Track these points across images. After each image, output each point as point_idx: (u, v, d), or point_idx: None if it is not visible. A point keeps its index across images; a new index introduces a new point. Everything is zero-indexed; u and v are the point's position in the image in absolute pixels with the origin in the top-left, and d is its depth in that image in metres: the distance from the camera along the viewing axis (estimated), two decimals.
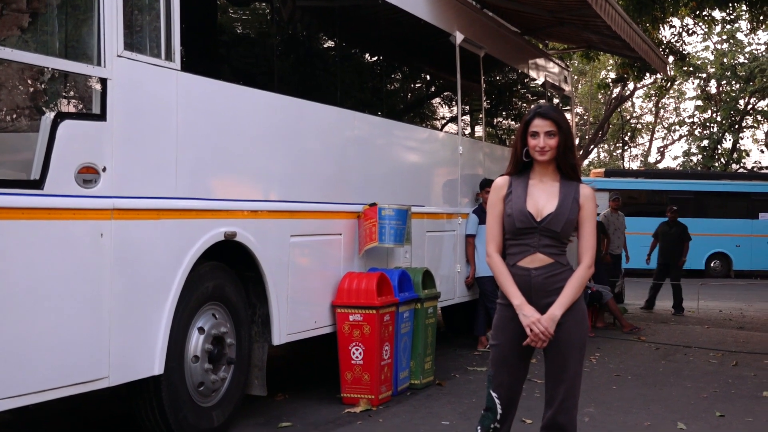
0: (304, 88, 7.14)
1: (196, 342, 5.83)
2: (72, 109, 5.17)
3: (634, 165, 48.28)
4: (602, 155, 49.38)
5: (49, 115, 4.70)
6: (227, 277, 6.16)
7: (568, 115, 14.36)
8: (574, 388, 4.08)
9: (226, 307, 6.14)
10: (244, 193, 6.27)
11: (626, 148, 47.68)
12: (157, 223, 5.34)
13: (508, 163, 4.29)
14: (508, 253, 4.13)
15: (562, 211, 4.01)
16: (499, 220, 4.16)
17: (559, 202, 4.04)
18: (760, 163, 43.40)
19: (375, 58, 8.57)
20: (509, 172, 4.24)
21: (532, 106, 12.90)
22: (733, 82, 38.44)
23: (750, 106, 38.84)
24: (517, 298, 4.02)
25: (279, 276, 6.53)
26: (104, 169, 4.91)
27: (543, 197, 4.07)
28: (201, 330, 5.87)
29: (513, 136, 12.28)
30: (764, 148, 43.29)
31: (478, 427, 4.19)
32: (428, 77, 9.99)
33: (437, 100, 10.07)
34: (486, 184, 10.23)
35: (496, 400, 4.09)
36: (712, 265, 26.77)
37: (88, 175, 4.82)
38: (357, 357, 7.09)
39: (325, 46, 7.80)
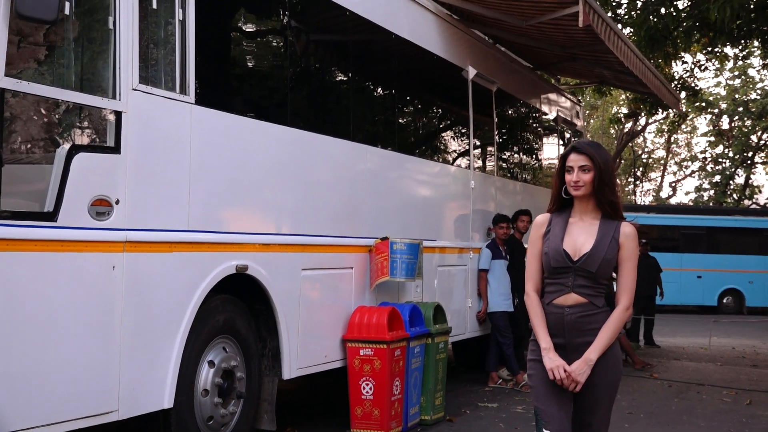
0: (317, 122, 7.18)
1: (206, 375, 5.81)
2: (86, 142, 5.20)
3: (646, 200, 48.22)
4: None
5: (64, 147, 4.74)
6: (238, 310, 6.16)
7: None
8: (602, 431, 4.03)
9: (236, 341, 6.12)
10: (256, 227, 6.28)
11: (638, 183, 47.66)
12: (169, 255, 5.35)
13: (549, 201, 4.24)
14: (546, 291, 4.09)
15: (598, 251, 3.95)
16: (538, 258, 4.11)
17: (596, 241, 3.97)
18: None
19: (387, 92, 8.62)
20: (550, 209, 4.18)
21: (545, 140, 12.98)
22: (745, 118, 38.46)
23: (762, 141, 38.81)
24: (545, 341, 3.97)
25: (290, 309, 6.52)
26: (117, 202, 4.93)
27: (582, 236, 4.01)
28: (211, 363, 5.86)
29: (524, 171, 12.37)
30: None
31: None
32: (440, 111, 10.03)
33: (449, 134, 10.09)
34: (499, 219, 10.23)
35: None
36: (724, 301, 26.64)
37: (101, 207, 4.84)
38: (367, 392, 7.06)
39: (337, 80, 7.84)
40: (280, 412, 6.86)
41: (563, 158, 4.08)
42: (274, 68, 6.80)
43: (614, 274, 4.08)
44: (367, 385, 7.07)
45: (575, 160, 4.00)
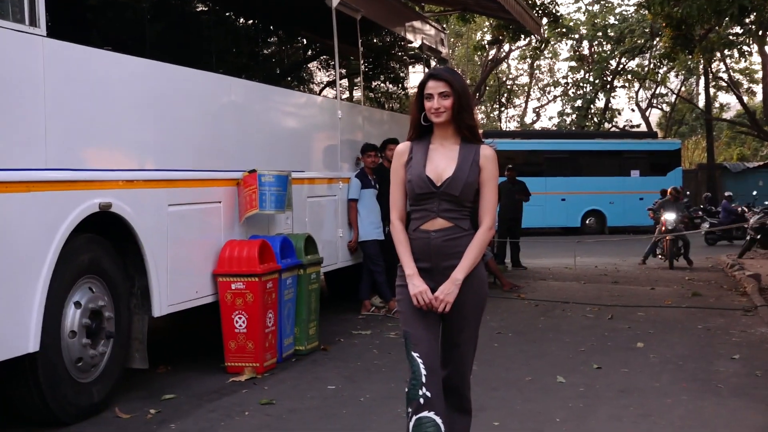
0: (178, 53, 6.99)
1: (72, 317, 5.68)
2: None
3: (511, 126, 49.20)
4: (480, 117, 50.08)
5: None
6: (104, 249, 6.02)
7: None
8: (469, 352, 4.11)
9: (103, 280, 6.00)
10: (119, 163, 6.12)
11: (503, 109, 48.54)
12: (27, 195, 5.17)
13: (408, 130, 4.22)
14: (411, 218, 4.11)
15: (460, 175, 3.98)
16: (401, 187, 4.13)
17: (458, 165, 4.00)
18: (631, 121, 44.86)
19: (250, 22, 8.46)
20: (410, 137, 4.17)
21: (411, 68, 13.02)
22: (605, 43, 39.47)
23: (621, 66, 39.96)
24: (409, 268, 4.01)
25: (158, 247, 6.42)
26: None
27: (443, 161, 4.03)
28: (77, 304, 5.73)
29: (391, 100, 12.41)
30: (635, 107, 44.67)
31: (408, 409, 3.94)
32: (305, 41, 9.93)
33: (315, 64, 10.02)
34: (367, 148, 10.26)
35: (418, 360, 3.91)
36: (587, 222, 27.59)
37: None
38: (240, 325, 7.05)
39: (198, 9, 7.66)
40: (153, 350, 6.79)
41: (421, 86, 4.09)
42: None
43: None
44: (240, 318, 7.06)
45: (434, 86, 4.01)
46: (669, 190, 18.32)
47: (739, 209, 22.62)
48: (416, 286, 3.96)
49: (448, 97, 4.00)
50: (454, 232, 4.00)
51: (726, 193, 23.76)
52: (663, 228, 17.19)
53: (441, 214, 4.00)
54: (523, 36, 19.80)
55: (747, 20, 15.83)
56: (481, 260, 4.07)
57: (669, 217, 17.19)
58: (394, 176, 4.17)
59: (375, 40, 11.91)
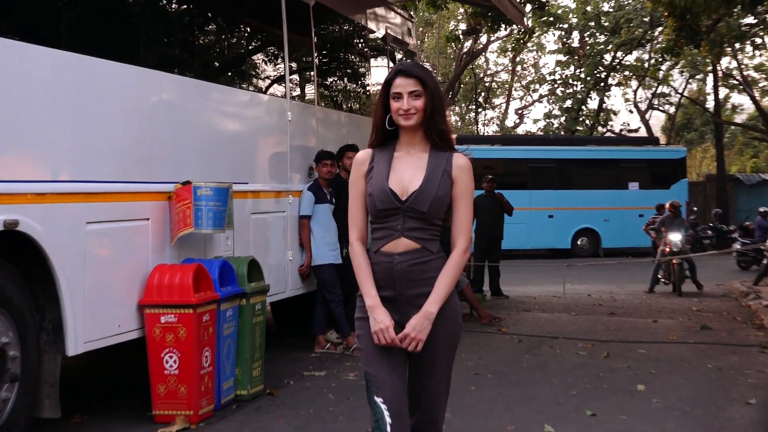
0: (98, 44, 6.95)
1: None
2: None
3: (490, 130, 49.48)
4: (453, 119, 50.32)
5: None
6: (8, 275, 5.97)
7: None
8: (441, 396, 4.10)
9: (7, 313, 5.94)
10: (27, 173, 6.07)
11: (480, 110, 48.80)
12: None
13: (370, 134, 4.22)
14: (373, 238, 4.10)
15: (428, 188, 3.98)
16: (361, 201, 4.13)
17: (426, 176, 4.00)
18: (628, 124, 45.29)
19: (184, 8, 8.44)
20: (371, 143, 4.17)
21: (373, 62, 13.05)
22: (598, 34, 39.80)
23: (617, 60, 40.29)
24: (370, 297, 3.99)
25: (73, 272, 6.36)
26: None
27: (409, 171, 4.03)
28: None
29: (350, 99, 12.42)
30: (633, 109, 45.11)
31: None
32: (250, 30, 9.91)
33: (261, 57, 10.01)
34: (322, 156, 10.26)
35: (383, 406, 3.89)
36: (579, 243, 27.74)
37: None
38: (171, 366, 7.00)
39: None
40: (67, 395, 6.72)
41: (387, 83, 4.08)
42: None
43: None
44: (170, 357, 7.01)
45: (403, 84, 4.01)
46: (667, 205, 18.48)
47: None
48: (378, 320, 3.95)
49: (420, 97, 4.00)
50: (421, 255, 4.00)
51: (761, 209, 23.49)
52: (667, 250, 17.35)
53: (406, 234, 4.00)
54: (503, 25, 19.90)
55: (760, 8, 16.06)
56: (454, 288, 4.07)
57: (674, 237, 17.35)
58: (353, 189, 4.17)
59: (331, 30, 11.93)
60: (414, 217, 3.98)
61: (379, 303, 3.98)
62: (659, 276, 17.90)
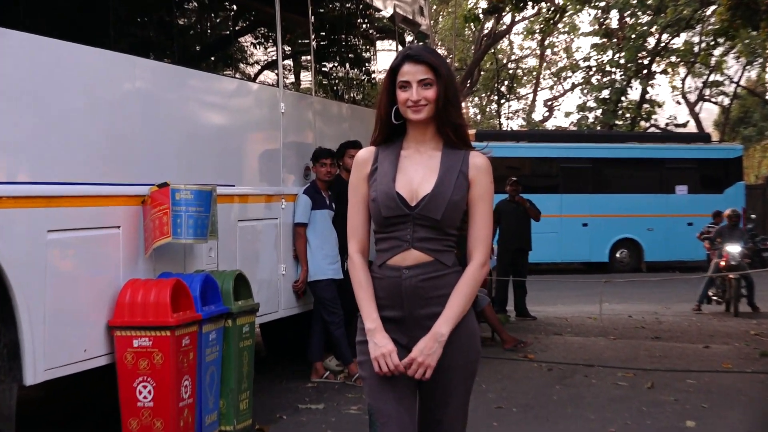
0: (60, 24, 6.96)
1: None
2: None
3: (515, 125, 49.50)
4: (472, 111, 50.38)
5: None
6: None
7: None
8: (457, 431, 4.10)
9: None
10: None
11: (503, 101, 48.81)
12: None
13: (373, 130, 4.21)
14: (378, 249, 4.08)
15: (442, 191, 3.95)
16: (362, 208, 4.12)
17: (439, 178, 3.98)
18: (675, 118, 45.18)
19: None
20: (375, 140, 4.17)
21: (379, 46, 13.06)
22: (640, 13, 39.74)
23: (662, 44, 40.25)
24: (370, 320, 3.99)
25: (32, 288, 6.36)
26: None
27: (419, 172, 4.01)
28: None
29: (353, 88, 12.43)
30: (681, 100, 45.04)
31: None
32: (236, 8, 9.92)
33: (249, 39, 10.02)
34: (321, 154, 10.26)
35: None
36: (618, 255, 27.70)
37: None
38: (145, 397, 7.00)
39: None
40: (24, 429, 6.72)
41: (393, 71, 4.06)
42: None
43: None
44: (144, 387, 7.01)
45: (412, 72, 3.99)
46: (726, 212, 18.48)
47: None
48: (378, 345, 3.94)
49: (431, 87, 3.98)
50: (434, 269, 3.98)
51: None
52: (724, 264, 17.33)
53: (416, 245, 3.98)
54: (530, 3, 19.92)
55: None
56: (471, 308, 4.06)
57: (733, 249, 17.34)
58: (353, 194, 4.16)
59: (331, 8, 11.94)
60: (425, 226, 3.96)
61: (380, 325, 3.98)
62: (710, 293, 17.88)
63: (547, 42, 47.04)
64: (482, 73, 44.06)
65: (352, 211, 4.16)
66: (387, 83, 4.08)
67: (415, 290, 3.96)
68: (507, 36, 43.51)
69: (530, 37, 46.32)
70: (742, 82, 46.31)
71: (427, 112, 3.98)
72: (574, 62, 46.61)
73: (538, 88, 50.05)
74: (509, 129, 45.79)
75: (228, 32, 9.73)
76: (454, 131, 4.03)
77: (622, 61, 40.54)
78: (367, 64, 12.98)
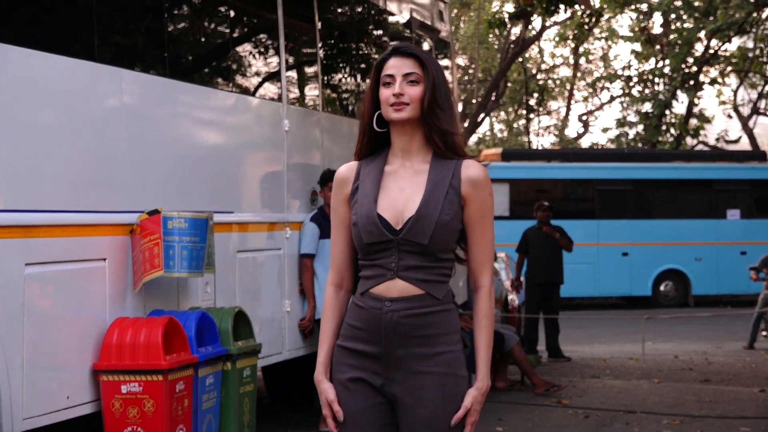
0: (37, 35, 7.01)
1: None
2: None
3: (545, 142, 49.48)
4: (498, 127, 50.39)
5: None
6: None
7: (444, 62, 14.53)
8: None
9: None
10: None
11: (532, 116, 48.80)
12: None
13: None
14: (361, 275, 3.96)
15: (428, 212, 3.82)
16: (343, 233, 4.04)
17: (426, 195, 3.85)
18: (727, 134, 45.09)
19: None
20: (357, 152, 4.07)
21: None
22: (686, 17, 39.76)
23: (710, 51, 40.23)
24: (319, 364, 3.98)
25: (8, 327, 6.38)
26: None
27: (404, 191, 3.89)
28: None
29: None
30: (733, 113, 44.95)
31: None
32: (234, 14, 9.97)
33: (249, 49, 10.06)
34: (329, 177, 10.27)
35: None
36: (662, 288, 27.61)
37: None
38: None
39: None
40: None
41: (379, 66, 3.97)
42: None
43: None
44: None
45: (398, 65, 3.89)
46: None
47: None
48: (323, 394, 3.94)
49: (417, 84, 3.88)
50: (421, 305, 3.85)
51: None
52: None
53: (402, 274, 3.85)
54: (563, 6, 19.98)
55: None
56: (459, 349, 3.94)
57: None
58: (333, 216, 4.10)
59: (340, 13, 11.99)
60: (412, 252, 3.84)
61: (326, 362, 3.97)
62: (761, 329, 17.87)
63: (581, 49, 47.03)
64: (509, 84, 44.00)
65: (333, 237, 4.10)
66: (372, 81, 3.99)
67: (396, 327, 3.83)
68: (536, 43, 43.49)
69: (562, 44, 46.30)
70: None
71: (410, 112, 3.86)
72: (612, 72, 46.59)
73: (572, 101, 50.01)
74: (539, 147, 45.81)
75: (225, 41, 9.77)
76: (442, 139, 3.89)
77: (666, 70, 40.55)
78: None
